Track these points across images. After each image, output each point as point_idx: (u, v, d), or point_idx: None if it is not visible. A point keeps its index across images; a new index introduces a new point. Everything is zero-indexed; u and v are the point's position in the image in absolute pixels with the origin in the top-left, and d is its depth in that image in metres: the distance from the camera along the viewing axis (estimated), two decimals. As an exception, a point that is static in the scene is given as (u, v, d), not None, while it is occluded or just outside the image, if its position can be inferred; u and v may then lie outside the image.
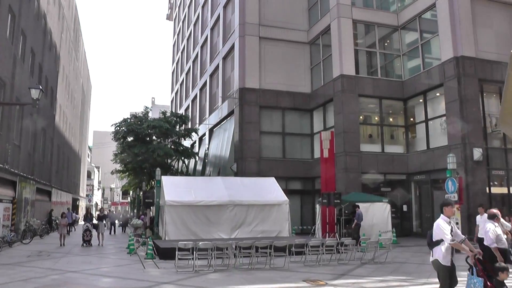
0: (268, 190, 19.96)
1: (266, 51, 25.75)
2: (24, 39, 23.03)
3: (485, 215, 12.42)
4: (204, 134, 33.76)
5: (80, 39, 53.46)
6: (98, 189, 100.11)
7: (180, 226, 17.62)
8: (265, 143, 25.05)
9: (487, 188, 19.75)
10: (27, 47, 23.65)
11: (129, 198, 66.93)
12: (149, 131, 29.99)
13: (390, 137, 24.62)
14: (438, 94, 21.72)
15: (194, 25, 40.93)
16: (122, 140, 31.51)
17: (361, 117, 23.67)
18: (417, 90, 22.66)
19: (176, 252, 11.73)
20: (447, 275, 6.42)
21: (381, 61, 24.69)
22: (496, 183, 20.64)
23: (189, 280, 10.49)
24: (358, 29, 24.67)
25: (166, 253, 14.07)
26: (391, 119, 24.83)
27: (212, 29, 33.19)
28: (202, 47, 36.55)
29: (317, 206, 20.81)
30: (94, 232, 20.49)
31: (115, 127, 31.38)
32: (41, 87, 14.17)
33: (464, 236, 6.58)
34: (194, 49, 40.18)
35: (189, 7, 45.24)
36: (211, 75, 32.61)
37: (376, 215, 19.27)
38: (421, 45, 23.05)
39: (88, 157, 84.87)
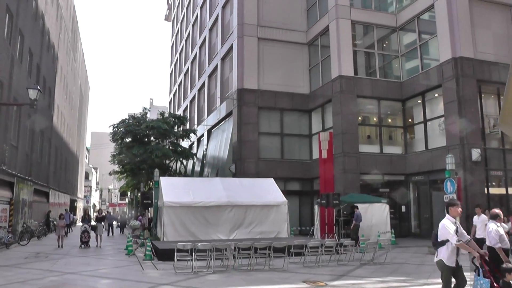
0: (267, 191, 19.93)
1: (264, 52, 25.74)
2: (22, 39, 22.96)
3: (482, 215, 12.44)
4: (202, 135, 33.72)
5: (78, 40, 53.38)
6: (96, 190, 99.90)
7: (178, 227, 17.58)
8: (264, 144, 25.02)
9: (485, 189, 19.76)
10: (25, 47, 23.58)
11: (127, 199, 66.86)
12: (148, 132, 29.93)
13: (388, 138, 24.63)
14: (436, 95, 21.73)
15: (193, 26, 40.90)
16: (120, 141, 31.43)
17: (359, 118, 23.68)
18: (416, 91, 22.67)
19: (175, 253, 11.68)
20: (451, 276, 6.36)
21: (380, 62, 24.70)
22: (494, 183, 20.66)
23: (188, 281, 10.44)
24: (356, 30, 24.67)
25: (164, 254, 14.02)
26: (389, 120, 24.84)
27: (210, 30, 33.17)
28: (200, 48, 36.52)
29: (316, 207, 20.79)
30: (92, 234, 20.40)
31: (113, 128, 31.32)
32: (39, 87, 14.11)
33: (469, 237, 6.51)
34: (192, 50, 40.15)
35: (187, 8, 45.21)
36: (210, 76, 32.58)
37: (375, 215, 19.27)
38: (420, 46, 23.07)
39: (86, 158, 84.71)
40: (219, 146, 28.76)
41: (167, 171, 31.35)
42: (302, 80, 26.37)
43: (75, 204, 55.83)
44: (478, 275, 6.31)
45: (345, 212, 19.74)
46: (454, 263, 6.31)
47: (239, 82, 24.82)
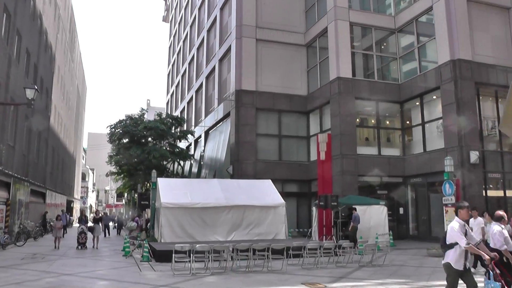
0: (265, 192, 19.88)
1: (263, 53, 25.70)
2: (20, 39, 22.86)
3: (479, 218, 12.42)
4: (200, 136, 33.64)
5: (75, 40, 53.25)
6: (93, 191, 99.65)
7: (176, 229, 17.49)
8: (262, 145, 24.97)
9: (483, 191, 19.79)
10: (23, 47, 23.48)
11: (123, 200, 66.60)
12: (145, 132, 29.83)
13: (386, 139, 24.63)
14: (434, 97, 21.74)
15: (191, 27, 40.84)
16: (117, 141, 31.31)
17: (357, 120, 23.66)
18: (414, 93, 22.69)
19: (173, 255, 11.62)
20: (457, 280, 6.26)
21: (378, 64, 24.69)
22: (491, 186, 20.68)
23: (186, 283, 10.36)
24: (355, 32, 24.66)
25: (162, 256, 13.95)
26: (387, 122, 24.83)
27: (208, 31, 33.12)
28: (198, 49, 36.46)
29: (314, 208, 20.75)
30: (89, 235, 20.29)
31: (110, 129, 31.21)
32: (36, 87, 14.04)
33: (479, 239, 6.42)
34: (190, 51, 40.08)
35: (185, 9, 45.15)
36: (207, 77, 32.51)
37: (373, 217, 19.26)
38: (418, 48, 23.09)
39: (83, 159, 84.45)
40: (216, 147, 28.69)
41: (164, 172, 31.23)
42: (300, 82, 26.34)
43: (71, 205, 55.62)
44: (489, 278, 6.23)
45: (343, 214, 19.71)
46: (462, 267, 6.20)
47: (237, 83, 24.78)
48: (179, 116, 37.66)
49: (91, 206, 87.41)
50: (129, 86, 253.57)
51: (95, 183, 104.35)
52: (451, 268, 6.24)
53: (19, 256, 16.03)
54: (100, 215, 22.68)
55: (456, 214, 6.44)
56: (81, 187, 75.94)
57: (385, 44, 25.43)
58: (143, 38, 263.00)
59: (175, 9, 53.06)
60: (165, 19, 62.28)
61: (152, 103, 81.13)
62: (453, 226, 6.27)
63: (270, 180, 21.03)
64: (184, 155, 32.84)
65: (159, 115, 33.14)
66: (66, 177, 49.99)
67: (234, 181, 21.33)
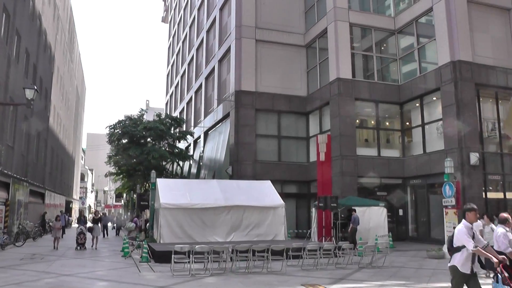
0: (264, 193, 19.84)
1: (262, 53, 25.69)
2: (19, 39, 22.82)
3: (478, 222, 12.37)
4: (199, 137, 33.61)
5: (75, 41, 53.20)
6: (92, 191, 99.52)
7: (175, 229, 17.45)
8: (261, 146, 24.94)
9: (483, 193, 19.76)
10: (22, 48, 23.44)
11: (122, 200, 66.52)
12: (144, 133, 29.79)
13: (386, 141, 24.61)
14: (434, 98, 21.73)
15: (190, 27, 40.82)
16: (116, 142, 31.27)
17: (357, 121, 23.64)
18: (414, 94, 22.67)
19: (172, 256, 11.57)
20: (462, 283, 6.15)
21: (378, 65, 24.69)
22: (491, 188, 20.65)
23: (185, 284, 10.32)
24: (354, 33, 24.65)
25: (161, 257, 13.91)
26: (387, 123, 24.81)
27: (208, 31, 33.10)
28: (197, 49, 36.44)
29: (313, 209, 20.73)
30: (88, 235, 20.23)
31: (110, 129, 31.17)
32: (35, 87, 13.99)
33: (486, 242, 6.31)
34: (189, 52, 40.06)
35: (184, 9, 45.14)
36: (207, 78, 32.49)
37: (372, 219, 19.25)
38: (418, 49, 23.08)
39: (82, 159, 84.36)
40: (216, 148, 28.66)
41: (163, 173, 31.18)
42: (300, 83, 26.33)
43: (70, 205, 55.53)
44: (497, 282, 6.12)
45: (342, 215, 19.68)
46: (469, 270, 6.10)
47: (236, 84, 24.76)
48: (178, 116, 37.60)
49: (90, 206, 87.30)
50: (128, 87, 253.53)
51: (94, 183, 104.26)
52: (457, 271, 6.15)
53: (18, 257, 15.97)
54: (100, 215, 22.58)
55: (464, 217, 6.34)
56: (80, 187, 75.86)
57: (385, 45, 25.42)
58: (142, 39, 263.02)
59: (174, 9, 53.04)
60: (164, 19, 62.26)
61: (151, 103, 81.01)
62: (460, 229, 6.17)
63: (269, 181, 20.99)
64: (184, 155, 32.81)
65: (159, 115, 33.10)
66: (65, 177, 49.92)
67: (234, 182, 21.30)
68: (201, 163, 31.85)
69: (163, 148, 30.99)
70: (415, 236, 22.62)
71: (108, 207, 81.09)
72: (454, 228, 15.37)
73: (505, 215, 7.53)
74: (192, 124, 36.24)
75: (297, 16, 27.08)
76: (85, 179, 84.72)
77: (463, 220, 6.31)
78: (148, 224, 23.40)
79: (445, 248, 15.69)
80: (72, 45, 50.35)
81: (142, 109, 33.74)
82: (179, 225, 17.51)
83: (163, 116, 33.62)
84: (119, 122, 31.35)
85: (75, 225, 41.80)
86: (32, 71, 26.40)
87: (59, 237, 20.30)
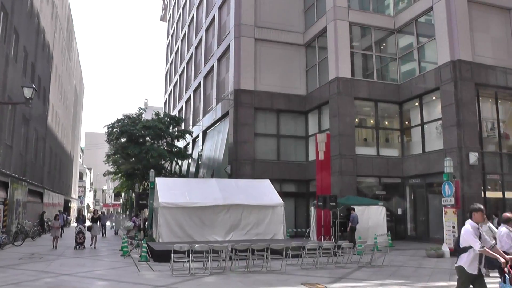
0: (263, 192, 19.81)
1: (261, 52, 25.64)
2: (17, 37, 22.74)
3: None
4: (198, 136, 33.57)
5: (73, 39, 53.07)
6: (90, 190, 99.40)
7: (174, 228, 17.42)
8: (260, 145, 24.91)
9: (482, 193, 19.76)
10: (20, 46, 23.35)
11: (121, 200, 66.50)
12: (143, 132, 29.74)
13: (385, 140, 24.59)
14: (434, 97, 21.71)
15: (189, 26, 40.75)
16: (115, 141, 31.21)
17: (356, 120, 23.61)
18: (413, 94, 22.66)
19: (172, 255, 11.54)
20: (468, 284, 6.08)
21: (377, 64, 24.67)
22: (489, 187, 20.66)
23: (185, 283, 10.29)
24: (354, 32, 24.62)
25: (160, 256, 13.88)
26: (386, 122, 24.79)
27: (206, 30, 33.03)
28: (196, 48, 36.38)
29: (312, 208, 20.72)
30: (87, 234, 20.17)
31: (108, 128, 31.13)
32: (34, 86, 13.93)
33: (493, 242, 6.25)
34: (188, 51, 40.00)
35: (183, 8, 45.06)
36: (205, 77, 32.44)
37: (371, 218, 19.26)
38: (417, 48, 23.07)
39: (80, 158, 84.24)
40: (214, 147, 28.62)
41: (162, 172, 31.14)
42: (299, 82, 26.30)
43: (69, 205, 55.46)
44: (504, 282, 6.06)
45: (341, 214, 19.67)
46: (476, 271, 6.02)
47: (235, 83, 24.71)
48: (177, 115, 37.55)
49: (88, 205, 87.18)
50: (126, 86, 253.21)
51: (93, 182, 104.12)
52: (463, 271, 6.08)
53: (17, 256, 15.91)
54: (98, 214, 22.52)
55: (470, 217, 6.28)
56: (79, 186, 75.77)
57: (384, 44, 25.40)
58: (141, 38, 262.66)
59: (173, 8, 52.96)
60: (163, 18, 62.17)
61: (150, 102, 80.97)
62: (466, 229, 6.10)
63: (268, 180, 20.97)
64: (182, 154, 32.77)
65: (157, 114, 33.05)
66: (64, 176, 49.83)
67: (233, 181, 21.27)
68: (199, 162, 31.82)
69: (162, 147, 30.95)
70: (414, 235, 22.63)
71: (106, 206, 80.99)
72: (454, 227, 15.47)
73: (508, 214, 7.50)
74: (191, 123, 36.20)
75: (297, 15, 27.04)
76: (84, 178, 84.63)
77: (469, 220, 6.24)
78: (147, 223, 23.37)
79: (444, 247, 15.77)
80: (71, 43, 50.23)
81: (141, 108, 33.69)
82: (178, 224, 17.48)
83: (161, 115, 33.59)
84: (118, 121, 31.29)
85: (73, 224, 41.75)
86: (30, 70, 26.32)
87: (58, 236, 20.25)
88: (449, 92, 19.98)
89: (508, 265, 6.05)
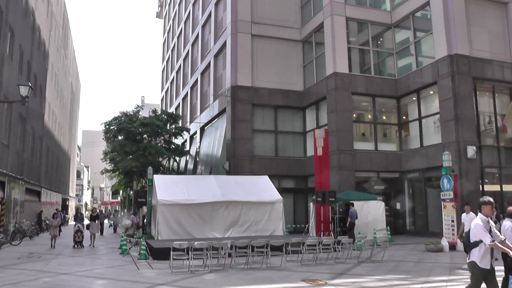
0: (262, 188, 19.77)
1: (258, 48, 25.55)
2: (12, 36, 22.56)
3: (471, 213, 12.38)
4: (195, 133, 33.49)
5: (69, 37, 52.79)
6: (88, 188, 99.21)
7: (173, 226, 17.38)
8: (258, 141, 24.87)
9: (480, 186, 19.80)
10: (15, 44, 23.18)
11: (119, 197, 66.38)
12: (140, 129, 29.63)
13: (383, 135, 24.59)
14: (431, 92, 21.71)
15: (185, 23, 40.57)
16: (113, 138, 31.10)
17: (354, 115, 23.58)
18: (411, 88, 22.64)
19: (171, 252, 11.49)
20: (482, 278, 5.96)
21: (374, 59, 24.63)
22: (487, 180, 20.69)
23: (185, 281, 10.26)
24: (351, 27, 24.55)
25: (160, 253, 13.84)
26: (384, 117, 24.78)
27: (203, 26, 32.89)
28: (193, 45, 36.23)
29: (311, 204, 20.69)
30: (86, 233, 20.09)
31: (105, 126, 31.00)
32: (30, 84, 13.82)
33: (503, 237, 6.14)
34: (184, 47, 39.84)
35: (179, 4, 44.85)
36: (202, 73, 32.33)
37: (370, 213, 19.26)
38: (414, 43, 23.04)
39: (78, 156, 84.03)
40: (212, 143, 28.55)
41: (160, 169, 31.05)
42: (296, 77, 26.23)
43: (67, 203, 55.31)
44: None
45: (340, 210, 19.67)
46: (488, 265, 5.91)
47: (232, 79, 24.62)
48: (174, 112, 37.42)
49: (86, 204, 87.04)
50: (123, 83, 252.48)
51: (90, 180, 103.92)
52: (476, 267, 5.95)
53: (15, 256, 15.83)
54: (97, 212, 22.41)
55: (480, 210, 6.15)
56: (76, 185, 75.55)
57: (381, 39, 25.36)
58: (137, 35, 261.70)
59: (169, 5, 52.71)
60: (159, 15, 61.88)
61: (147, 100, 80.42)
62: (477, 223, 5.97)
63: (267, 176, 20.92)
64: (180, 151, 32.68)
65: (154, 111, 32.93)
66: (61, 175, 49.67)
67: (231, 177, 21.22)
68: (197, 159, 31.75)
69: (160, 144, 30.85)
70: (413, 229, 22.66)
71: (104, 204, 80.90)
72: (453, 221, 15.44)
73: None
74: (188, 120, 36.09)
75: (293, 10, 26.94)
76: (81, 177, 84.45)
77: (479, 213, 6.12)
78: (145, 221, 23.30)
79: (443, 241, 15.78)
80: (66, 41, 49.97)
81: (138, 105, 33.54)
82: (177, 221, 17.44)
83: (159, 112, 33.46)
84: (115, 118, 31.17)
85: (71, 222, 41.63)
86: (26, 68, 26.16)
87: (57, 235, 20.17)
88: (447, 86, 19.97)
89: None
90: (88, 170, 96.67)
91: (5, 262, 14.10)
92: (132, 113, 32.18)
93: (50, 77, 36.78)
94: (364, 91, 23.39)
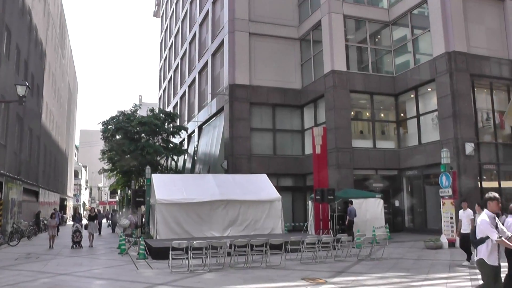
0: (260, 187, 19.75)
1: (256, 47, 25.50)
2: (9, 35, 22.46)
3: (468, 210, 12.38)
4: (193, 132, 33.43)
5: (66, 36, 52.63)
6: (86, 188, 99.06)
7: (171, 225, 17.34)
8: (256, 139, 24.84)
9: (479, 182, 19.81)
10: (12, 44, 23.08)
11: (117, 197, 66.27)
12: (138, 128, 29.55)
13: (381, 132, 24.59)
14: (429, 89, 21.71)
15: (182, 21, 40.48)
16: (110, 138, 31.03)
17: (352, 113, 23.57)
18: (409, 86, 22.63)
19: (170, 252, 11.44)
20: (493, 275, 5.84)
21: (372, 56, 24.59)
22: (485, 177, 20.70)
23: (184, 280, 10.23)
24: (348, 25, 24.51)
25: (159, 253, 13.78)
26: (382, 115, 24.77)
27: (200, 25, 32.81)
28: (190, 43, 36.15)
29: (309, 202, 20.67)
30: (84, 233, 20.00)
31: (103, 125, 30.92)
32: (27, 84, 13.76)
33: (509, 233, 6.03)
34: (182, 46, 39.75)
35: (176, 3, 44.74)
36: (200, 72, 32.25)
37: (369, 211, 19.25)
38: (412, 40, 23.02)
39: (75, 156, 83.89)
40: (210, 142, 28.50)
41: (158, 168, 30.99)
42: (294, 75, 26.19)
43: (65, 203, 55.21)
44: None
45: (339, 208, 19.66)
46: (496, 262, 5.80)
47: (230, 78, 24.57)
48: (172, 111, 37.35)
49: (84, 203, 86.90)
50: (120, 82, 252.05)
51: (88, 180, 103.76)
52: (485, 264, 5.84)
53: (13, 257, 15.75)
54: (95, 212, 22.33)
55: (486, 206, 6.04)
56: (74, 184, 75.40)
57: (379, 36, 25.33)
58: (134, 34, 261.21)
59: (166, 3, 52.59)
60: (156, 14, 61.71)
61: (144, 99, 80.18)
62: (483, 219, 5.86)
63: (265, 175, 20.89)
64: (178, 150, 32.62)
65: (152, 110, 32.84)
66: (59, 175, 49.55)
67: (229, 176, 21.18)
68: (195, 158, 31.70)
69: (158, 144, 30.78)
70: (412, 227, 22.67)
71: (102, 204, 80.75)
72: (451, 218, 15.44)
73: None
74: (186, 119, 36.02)
75: (291, 8, 26.89)
76: (79, 176, 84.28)
77: (485, 209, 6.00)
78: (144, 220, 23.24)
79: (442, 238, 15.78)
80: (64, 40, 49.81)
81: (135, 104, 33.42)
82: (176, 220, 17.40)
83: (156, 111, 33.38)
84: (112, 118, 31.09)
85: (70, 222, 41.56)
86: (23, 68, 26.05)
87: (55, 235, 20.08)
88: (445, 83, 19.97)
89: None
90: (86, 170, 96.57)
91: (3, 263, 14.02)
92: (130, 112, 32.09)
93: (48, 77, 36.66)
94: (362, 88, 23.37)
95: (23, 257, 15.54)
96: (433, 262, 12.45)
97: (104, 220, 36.25)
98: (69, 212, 56.89)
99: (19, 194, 25.54)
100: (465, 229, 12.10)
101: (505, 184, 20.65)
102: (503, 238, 5.73)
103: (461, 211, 12.77)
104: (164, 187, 18.45)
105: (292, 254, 13.30)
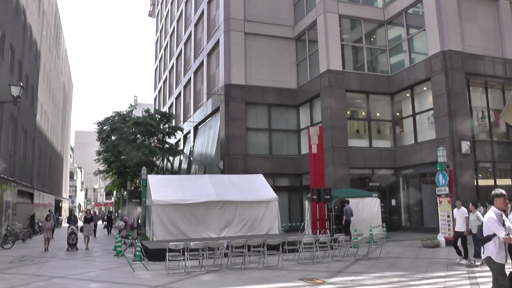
0: (257, 187, 19.68)
1: (251, 46, 25.45)
2: (3, 34, 22.27)
3: (462, 208, 12.40)
4: (189, 132, 33.33)
5: (61, 36, 52.36)
6: (81, 190, 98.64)
7: (168, 226, 17.24)
8: (252, 139, 24.78)
9: (475, 181, 19.86)
10: (6, 43, 22.89)
11: (113, 198, 66.06)
12: (134, 129, 29.41)
13: (377, 131, 24.59)
14: (425, 88, 21.74)
15: (177, 21, 40.36)
16: (106, 138, 30.87)
17: (348, 112, 23.55)
18: (404, 85, 22.65)
19: (167, 253, 11.36)
20: (504, 273, 5.78)
21: (368, 56, 24.60)
22: (480, 175, 20.75)
23: (181, 282, 10.15)
24: (344, 24, 24.48)
25: (155, 255, 13.69)
26: (378, 114, 24.77)
27: (196, 25, 32.72)
28: (185, 43, 36.04)
29: (306, 202, 20.64)
30: (80, 235, 19.85)
31: (98, 125, 30.75)
32: (21, 84, 13.64)
33: None
34: (177, 46, 39.63)
35: (171, 3, 44.61)
36: (195, 72, 32.16)
37: (366, 210, 19.23)
38: (408, 40, 23.04)
39: (70, 157, 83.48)
40: (206, 142, 28.41)
41: (153, 169, 30.86)
42: (289, 75, 26.15)
43: (60, 205, 54.91)
44: None
45: (336, 207, 19.64)
46: (503, 259, 5.74)
47: (226, 78, 24.50)
48: (167, 112, 37.22)
49: (80, 205, 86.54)
50: (115, 83, 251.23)
51: (83, 181, 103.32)
52: (493, 262, 5.78)
53: (7, 260, 15.55)
54: (91, 214, 22.18)
55: (492, 204, 5.97)
56: (69, 186, 75.07)
57: (374, 36, 25.34)
58: (129, 34, 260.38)
59: (161, 3, 52.44)
60: (151, 14, 61.53)
61: (140, 99, 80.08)
62: (490, 217, 5.78)
63: (261, 175, 20.83)
64: (174, 151, 32.50)
65: (147, 111, 32.71)
66: (54, 176, 49.27)
67: (225, 177, 21.10)
68: (191, 159, 31.61)
69: (153, 144, 30.65)
70: (408, 225, 22.68)
71: (98, 205, 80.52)
72: (448, 216, 15.43)
73: None
74: (182, 119, 35.91)
75: (286, 8, 26.85)
76: (74, 178, 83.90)
77: (492, 207, 5.93)
78: (140, 222, 23.14)
79: (439, 237, 15.79)
80: (58, 40, 49.55)
81: (131, 105, 33.28)
82: (172, 221, 17.30)
83: (151, 111, 33.24)
84: (108, 118, 30.95)
85: (65, 224, 41.33)
86: (17, 68, 25.85)
87: (50, 237, 19.90)
88: (440, 82, 20.01)
89: None
90: (81, 171, 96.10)
91: (-2, 265, 13.88)
92: (125, 112, 31.94)
93: (42, 77, 36.43)
94: (357, 88, 23.37)
95: (17, 260, 15.38)
96: (430, 260, 12.44)
97: (100, 222, 36.08)
98: (65, 214, 56.59)
99: (14, 196, 25.33)
100: (460, 227, 12.12)
101: (500, 181, 20.72)
102: (510, 236, 5.64)
103: (455, 210, 12.79)
104: (160, 188, 18.34)
105: (289, 254, 13.26)
